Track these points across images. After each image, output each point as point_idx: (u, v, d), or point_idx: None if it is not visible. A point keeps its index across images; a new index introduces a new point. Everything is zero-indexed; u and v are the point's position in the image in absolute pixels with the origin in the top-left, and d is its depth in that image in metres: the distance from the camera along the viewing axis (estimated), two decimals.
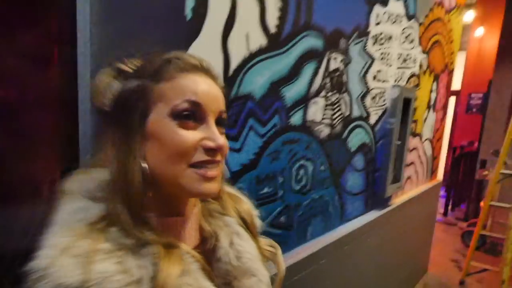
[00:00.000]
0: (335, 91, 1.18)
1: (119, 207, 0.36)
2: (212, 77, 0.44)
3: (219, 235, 0.45)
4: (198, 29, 0.68)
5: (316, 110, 1.10)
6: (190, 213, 0.45)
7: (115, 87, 0.41)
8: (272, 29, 0.86)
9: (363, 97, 1.37)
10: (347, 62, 1.21)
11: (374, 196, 1.61)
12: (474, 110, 5.29)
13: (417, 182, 2.23)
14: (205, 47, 0.69)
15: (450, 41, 2.37)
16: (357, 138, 1.38)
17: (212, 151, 0.39)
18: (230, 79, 0.76)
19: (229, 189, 0.53)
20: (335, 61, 1.15)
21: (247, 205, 0.52)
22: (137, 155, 0.38)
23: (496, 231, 2.99)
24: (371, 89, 1.42)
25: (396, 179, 1.75)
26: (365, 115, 1.41)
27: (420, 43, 1.83)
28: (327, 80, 1.12)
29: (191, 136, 0.38)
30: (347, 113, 1.28)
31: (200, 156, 0.39)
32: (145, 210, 0.38)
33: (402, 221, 1.98)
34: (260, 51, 0.83)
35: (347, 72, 1.23)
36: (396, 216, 1.84)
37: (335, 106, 1.20)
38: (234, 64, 0.76)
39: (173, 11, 0.64)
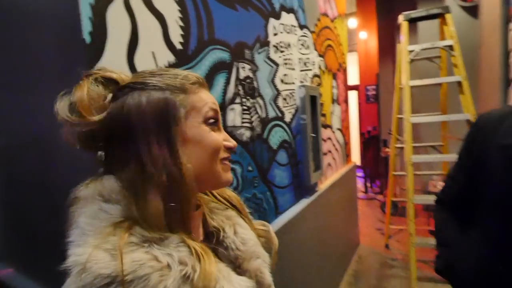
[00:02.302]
0: (248, 97, 1.29)
1: (134, 209, 0.39)
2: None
3: (224, 228, 0.51)
4: (100, 52, 0.69)
5: (234, 116, 1.19)
6: (196, 210, 0.49)
7: (134, 99, 0.42)
8: (178, 45, 0.91)
9: (275, 99, 1.53)
10: (255, 70, 1.34)
11: (301, 186, 1.79)
12: (371, 99, 6.26)
13: (336, 167, 2.55)
14: (111, 68, 0.70)
15: (340, 44, 2.80)
16: (277, 136, 1.53)
17: (230, 149, 0.49)
18: None
19: None
20: (244, 70, 1.26)
21: (231, 192, 0.58)
22: (183, 158, 0.42)
23: (403, 197, 3.60)
24: (281, 91, 1.59)
25: (318, 167, 1.97)
26: (280, 115, 1.57)
27: (315, 48, 2.12)
28: (240, 87, 1.23)
29: (220, 137, 0.48)
30: (264, 115, 1.41)
31: (224, 154, 0.48)
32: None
33: (330, 203, 2.23)
34: (169, 67, 0.87)
35: (257, 79, 1.36)
36: (323, 201, 2.07)
37: (251, 110, 1.31)
38: None
39: (70, 37, 0.64)
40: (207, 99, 0.48)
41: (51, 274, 0.87)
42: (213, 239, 0.50)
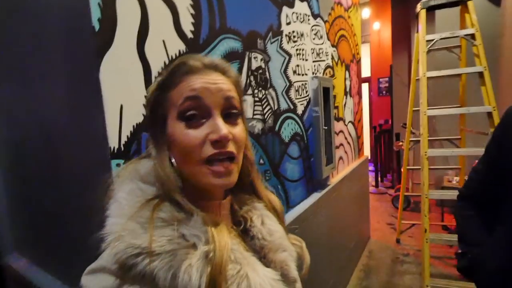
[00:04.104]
0: (260, 88, 1.25)
1: (165, 189, 0.41)
2: (220, 70, 0.45)
3: (252, 217, 0.49)
4: (110, 40, 0.66)
5: (246, 107, 1.16)
6: (223, 199, 0.48)
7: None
8: (189, 34, 0.88)
9: (287, 90, 1.48)
10: (267, 60, 1.30)
11: (313, 179, 1.76)
12: (384, 92, 6.11)
13: (347, 161, 2.49)
14: (121, 56, 0.68)
15: (353, 35, 2.71)
16: (288, 129, 1.49)
17: (218, 143, 0.41)
18: None
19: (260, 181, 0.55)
20: (256, 60, 1.22)
21: (275, 197, 0.56)
22: (167, 155, 0.43)
23: (416, 191, 3.52)
24: (294, 83, 1.55)
25: (330, 161, 1.93)
26: (292, 107, 1.53)
27: (328, 38, 2.05)
28: (251, 78, 1.19)
29: (197, 134, 0.41)
30: (276, 107, 1.37)
31: (209, 150, 0.41)
32: (185, 195, 0.42)
33: (341, 198, 2.19)
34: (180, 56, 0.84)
35: (269, 69, 1.32)
36: (335, 195, 2.03)
37: (263, 101, 1.28)
38: (155, 71, 0.76)
39: (79, 24, 0.61)
40: (187, 87, 0.41)
41: (63, 264, 0.88)
42: (241, 228, 0.49)
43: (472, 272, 0.75)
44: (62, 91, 0.75)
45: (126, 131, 0.69)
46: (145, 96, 0.49)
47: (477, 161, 0.81)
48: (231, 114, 0.44)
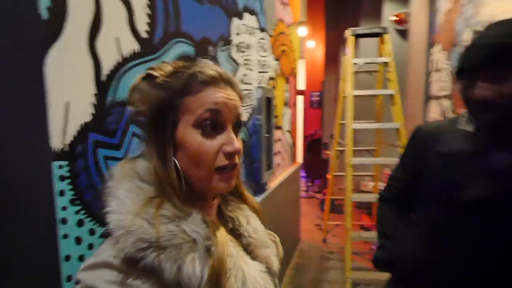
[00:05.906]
0: None
1: (166, 190, 0.43)
2: (232, 85, 0.48)
3: (238, 217, 0.53)
4: (58, 31, 0.61)
5: None
6: (213, 200, 0.51)
7: (147, 91, 0.46)
8: (143, 33, 0.85)
9: None
10: None
11: (254, 184, 1.84)
12: (315, 105, 6.70)
13: (284, 167, 2.67)
14: (69, 50, 0.63)
15: (292, 51, 2.94)
16: None
17: (231, 155, 0.46)
18: (104, 85, 0.72)
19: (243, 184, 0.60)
20: None
21: (254, 198, 0.60)
22: (171, 160, 0.44)
23: (339, 195, 3.95)
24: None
25: (269, 166, 2.04)
26: None
27: (272, 52, 2.19)
28: None
29: (212, 144, 0.45)
30: None
31: (222, 161, 0.45)
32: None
33: (278, 201, 2.33)
34: (134, 56, 0.82)
35: None
36: (273, 198, 2.15)
37: None
38: (106, 68, 0.72)
39: (23, 10, 0.55)
40: (208, 99, 0.44)
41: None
42: (228, 228, 0.52)
43: (387, 263, 0.90)
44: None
45: (72, 131, 0.64)
46: (133, 91, 0.48)
47: (388, 169, 0.99)
48: (237, 127, 0.49)
